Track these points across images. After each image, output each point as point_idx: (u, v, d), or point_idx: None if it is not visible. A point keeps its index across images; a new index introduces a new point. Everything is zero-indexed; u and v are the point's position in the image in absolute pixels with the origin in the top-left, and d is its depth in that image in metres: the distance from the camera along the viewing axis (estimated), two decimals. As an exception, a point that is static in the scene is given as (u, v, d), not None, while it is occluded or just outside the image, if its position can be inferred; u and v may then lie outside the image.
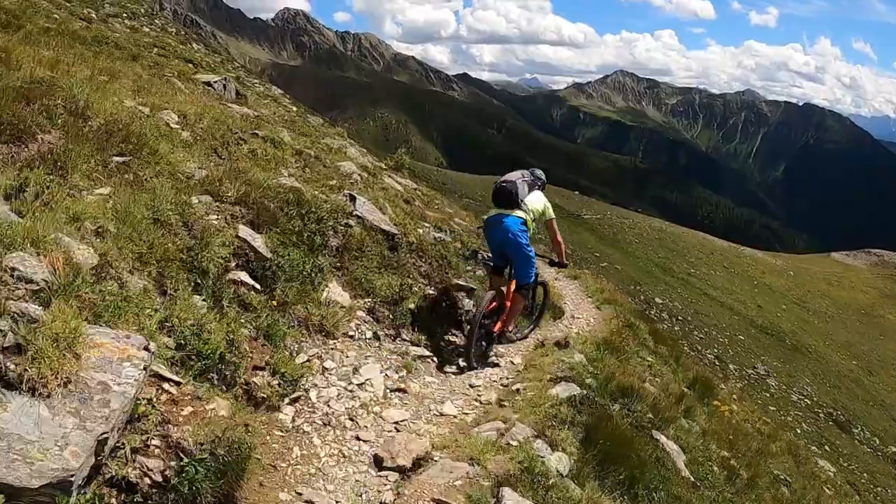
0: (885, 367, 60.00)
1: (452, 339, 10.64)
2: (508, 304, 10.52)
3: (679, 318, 48.11)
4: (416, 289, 10.74)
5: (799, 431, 34.45)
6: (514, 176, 10.52)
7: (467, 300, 11.36)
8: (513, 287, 10.54)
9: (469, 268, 13.57)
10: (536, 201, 10.66)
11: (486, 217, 10.68)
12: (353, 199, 11.72)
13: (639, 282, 54.71)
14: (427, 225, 14.34)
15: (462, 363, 9.84)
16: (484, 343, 10.41)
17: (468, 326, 10.31)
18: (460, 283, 11.65)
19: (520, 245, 10.11)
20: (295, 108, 31.58)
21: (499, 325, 10.44)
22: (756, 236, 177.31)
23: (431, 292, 11.06)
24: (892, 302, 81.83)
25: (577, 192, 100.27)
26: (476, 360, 9.90)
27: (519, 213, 10.17)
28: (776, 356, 49.05)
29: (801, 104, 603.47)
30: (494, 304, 10.30)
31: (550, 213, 10.90)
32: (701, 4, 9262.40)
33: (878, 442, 40.23)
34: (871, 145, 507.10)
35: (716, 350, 44.27)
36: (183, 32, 41.64)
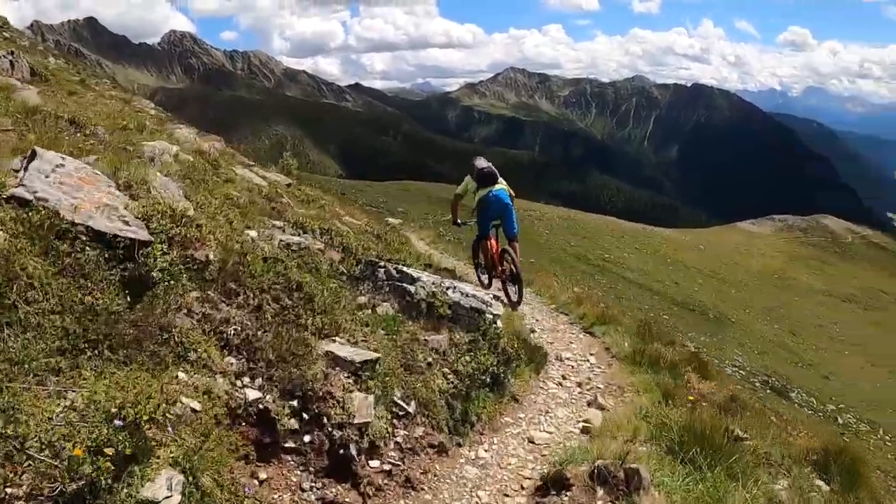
0: (805, 327, 62.33)
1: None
2: (513, 252, 13.97)
3: (601, 304, 47.14)
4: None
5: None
6: (484, 161, 14.49)
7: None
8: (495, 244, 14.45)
9: (365, 298, 8.87)
10: (501, 178, 14.40)
11: (482, 195, 14.09)
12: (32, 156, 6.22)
13: (554, 273, 53.68)
14: (277, 224, 9.98)
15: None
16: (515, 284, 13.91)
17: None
18: (338, 353, 6.84)
19: (511, 208, 14.29)
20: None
21: (514, 270, 13.83)
22: (658, 217, 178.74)
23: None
24: (801, 263, 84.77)
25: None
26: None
27: (504, 185, 14.28)
28: (702, 331, 49.21)
29: (689, 85, 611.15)
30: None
31: (505, 184, 14.50)
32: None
33: (815, 402, 40.78)
34: (760, 119, 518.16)
35: None
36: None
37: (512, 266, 13.76)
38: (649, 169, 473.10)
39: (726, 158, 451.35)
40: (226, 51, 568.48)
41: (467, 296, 9.72)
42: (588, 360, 12.56)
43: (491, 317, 9.59)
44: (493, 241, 14.29)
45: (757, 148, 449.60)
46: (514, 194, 14.60)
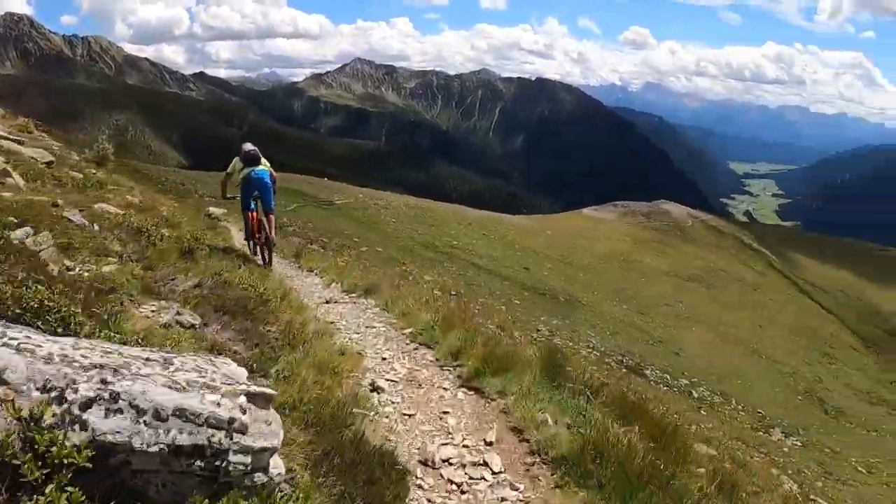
0: (653, 307, 63.48)
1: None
2: (268, 223, 16.97)
3: (452, 292, 46.66)
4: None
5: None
6: (251, 146, 16.81)
7: None
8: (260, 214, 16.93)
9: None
10: (264, 160, 16.95)
11: (245, 174, 16.48)
12: None
13: (403, 262, 53.06)
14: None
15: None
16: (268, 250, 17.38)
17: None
18: None
19: (269, 186, 16.78)
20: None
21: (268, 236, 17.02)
22: (504, 205, 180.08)
23: None
24: (646, 246, 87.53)
25: (325, 178, 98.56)
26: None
27: (266, 166, 16.81)
28: (554, 314, 49.13)
29: (533, 79, 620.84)
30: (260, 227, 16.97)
31: (268, 164, 17.06)
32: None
33: (668, 378, 41.17)
34: (602, 113, 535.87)
35: (496, 319, 43.00)
36: None
37: (266, 233, 16.93)
38: (495, 160, 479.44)
39: (569, 150, 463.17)
40: (65, 35, 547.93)
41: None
42: (488, 469, 7.14)
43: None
44: (254, 214, 16.75)
45: (599, 140, 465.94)
46: (275, 175, 17.40)
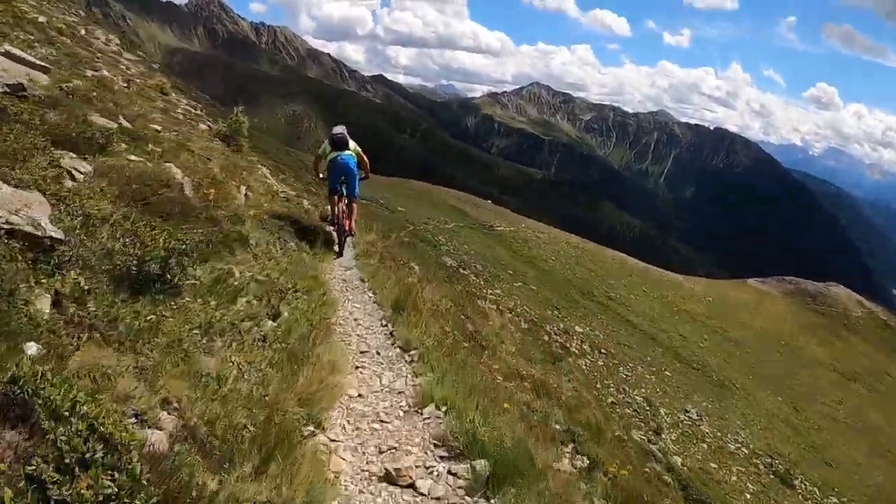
0: (810, 403, 58.90)
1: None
2: (349, 210, 16.96)
3: (602, 350, 44.28)
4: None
5: (749, 496, 31.68)
6: (340, 129, 16.92)
7: None
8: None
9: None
10: (354, 145, 16.74)
11: (332, 157, 16.46)
12: None
13: (556, 305, 50.72)
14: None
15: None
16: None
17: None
18: None
19: (354, 172, 16.63)
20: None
21: (347, 224, 16.87)
22: (663, 256, 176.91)
23: None
24: (810, 332, 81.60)
25: (489, 201, 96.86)
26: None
27: (351, 152, 16.61)
28: (705, 394, 46.12)
29: (712, 128, 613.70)
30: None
31: (359, 149, 16.84)
32: (616, 21, 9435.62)
33: (818, 493, 37.94)
34: (778, 172, 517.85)
35: (644, 390, 40.33)
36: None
37: (345, 219, 16.68)
38: (662, 207, 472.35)
39: (740, 207, 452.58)
40: (252, 22, 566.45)
41: None
42: None
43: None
44: (337, 198, 16.71)
45: (771, 201, 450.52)
46: (366, 161, 17.11)
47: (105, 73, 17.31)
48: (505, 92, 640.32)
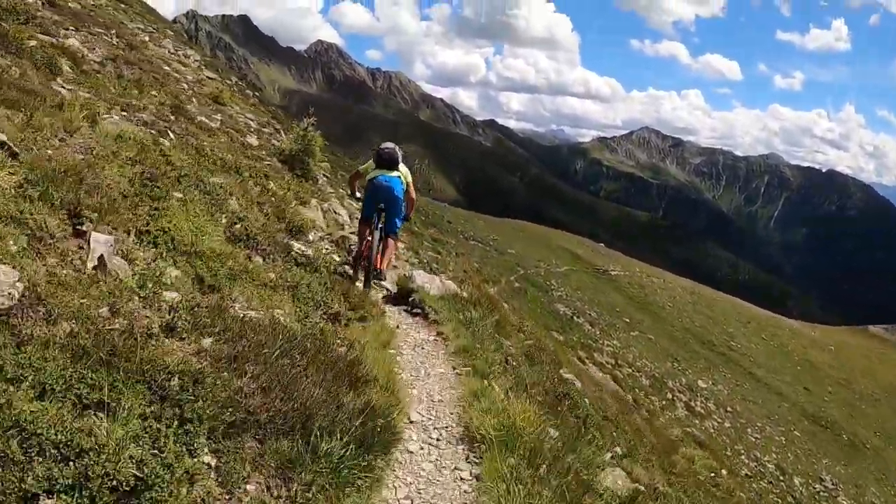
0: None
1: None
2: (383, 247, 12.93)
3: (728, 409, 42.32)
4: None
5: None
6: (390, 145, 12.96)
7: None
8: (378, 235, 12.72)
9: None
10: (405, 169, 12.98)
11: (373, 176, 12.70)
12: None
13: (676, 357, 48.96)
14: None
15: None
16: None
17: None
18: None
19: (399, 200, 12.68)
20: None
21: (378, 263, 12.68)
22: (773, 301, 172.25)
23: None
24: None
25: (602, 244, 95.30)
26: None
27: (402, 174, 12.76)
28: (836, 457, 43.83)
29: (824, 170, 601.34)
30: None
31: (409, 177, 13.10)
32: (728, 65, 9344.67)
33: None
34: (893, 216, 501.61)
35: (775, 456, 38.48)
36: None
37: (373, 260, 12.53)
38: (771, 250, 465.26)
39: (853, 252, 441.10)
40: (368, 68, 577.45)
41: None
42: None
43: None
44: (369, 228, 12.89)
45: (888, 246, 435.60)
46: (413, 197, 13.52)
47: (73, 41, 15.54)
48: (614, 137, 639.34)
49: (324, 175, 23.60)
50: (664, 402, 37.58)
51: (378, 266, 12.55)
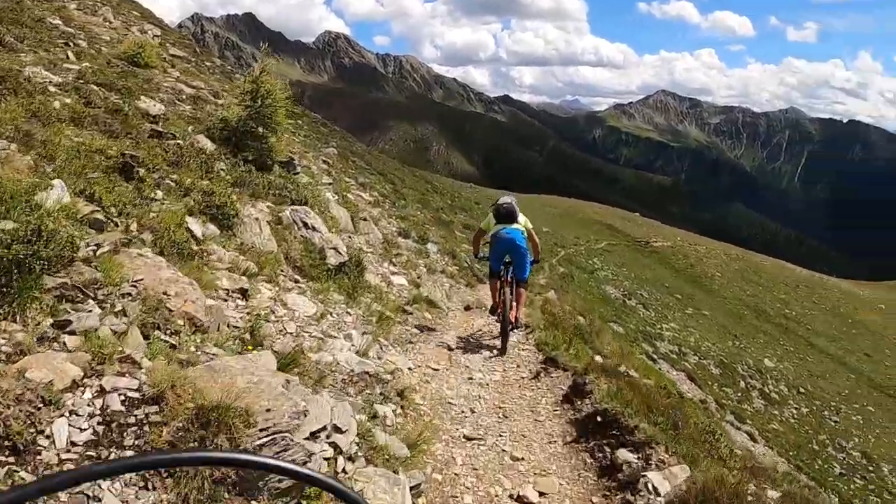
0: None
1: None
2: (516, 297, 12.97)
3: (801, 391, 40.64)
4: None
5: None
6: (508, 198, 13.62)
7: None
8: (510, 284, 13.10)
9: None
10: (525, 219, 13.19)
11: (495, 231, 12.88)
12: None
13: (735, 333, 47.32)
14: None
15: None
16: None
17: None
18: None
19: (524, 250, 12.86)
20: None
21: (513, 314, 12.79)
22: (803, 258, 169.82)
23: None
24: None
25: (637, 214, 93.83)
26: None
27: (521, 225, 12.97)
28: None
29: (844, 121, 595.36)
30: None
31: (530, 225, 13.34)
32: (739, 21, 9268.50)
33: None
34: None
35: (857, 440, 36.77)
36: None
37: (508, 311, 12.59)
38: (798, 206, 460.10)
39: (880, 203, 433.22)
40: (378, 53, 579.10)
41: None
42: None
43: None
44: (501, 282, 13.22)
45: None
46: (537, 241, 13.72)
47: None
48: (631, 102, 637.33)
49: (312, 156, 20.17)
50: (740, 395, 36.76)
51: (513, 318, 12.71)
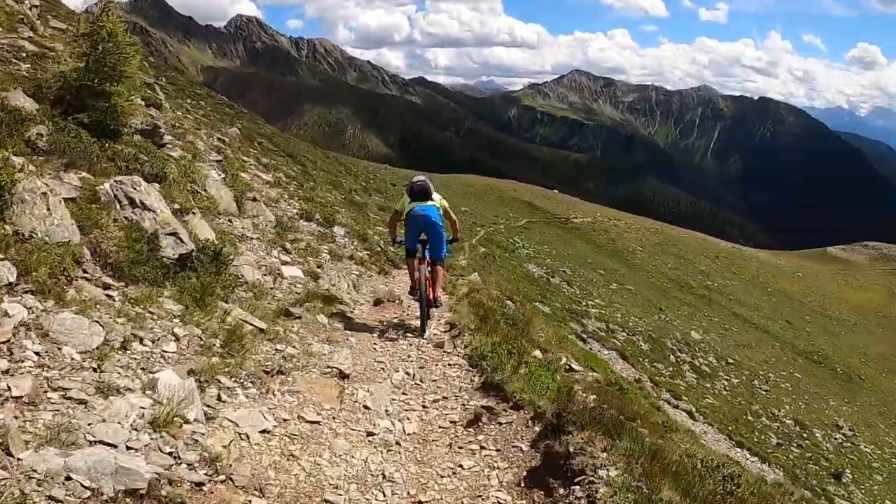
0: None
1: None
2: (433, 275, 12.74)
3: (730, 361, 41.14)
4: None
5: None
6: (421, 177, 12.97)
7: None
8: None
9: None
10: (440, 197, 12.95)
11: (409, 209, 12.53)
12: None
13: (660, 307, 47.62)
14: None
15: None
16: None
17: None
18: None
19: (439, 227, 12.57)
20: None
21: (431, 293, 12.56)
22: (717, 230, 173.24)
23: None
24: None
25: (555, 191, 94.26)
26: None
27: (437, 202, 12.69)
28: (839, 395, 44.02)
29: (755, 98, 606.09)
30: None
31: (446, 203, 13.09)
32: (651, 2, 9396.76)
33: None
34: (827, 137, 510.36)
35: (787, 407, 37.48)
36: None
37: (425, 290, 12.27)
38: (711, 181, 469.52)
39: (790, 175, 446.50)
40: (291, 37, 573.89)
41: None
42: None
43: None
44: (417, 260, 12.75)
45: (822, 167, 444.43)
46: (455, 219, 13.52)
47: None
48: (545, 82, 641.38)
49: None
50: (671, 370, 36.94)
51: (432, 296, 12.59)
